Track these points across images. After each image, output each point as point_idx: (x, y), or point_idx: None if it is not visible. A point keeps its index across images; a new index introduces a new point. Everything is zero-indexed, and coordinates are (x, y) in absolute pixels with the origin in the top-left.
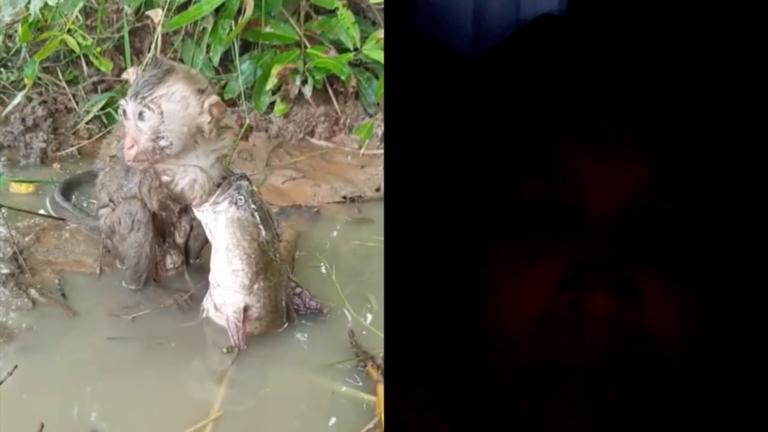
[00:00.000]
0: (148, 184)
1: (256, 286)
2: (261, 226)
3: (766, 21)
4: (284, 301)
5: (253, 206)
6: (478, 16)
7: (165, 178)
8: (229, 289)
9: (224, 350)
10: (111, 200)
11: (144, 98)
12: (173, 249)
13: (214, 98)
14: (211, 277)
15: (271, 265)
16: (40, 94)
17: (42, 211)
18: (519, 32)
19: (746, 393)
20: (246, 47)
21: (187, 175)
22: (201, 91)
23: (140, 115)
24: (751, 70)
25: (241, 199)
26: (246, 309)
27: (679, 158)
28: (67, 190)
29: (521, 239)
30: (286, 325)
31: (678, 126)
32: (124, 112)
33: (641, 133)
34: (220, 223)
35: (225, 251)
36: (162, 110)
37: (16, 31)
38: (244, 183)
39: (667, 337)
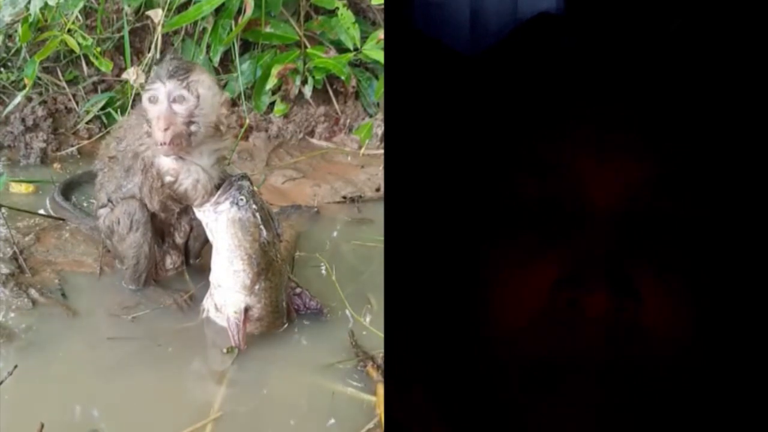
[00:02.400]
0: (149, 184)
1: (257, 287)
2: (262, 227)
3: (763, 20)
4: (284, 301)
5: (254, 206)
6: (476, 14)
7: (168, 179)
8: (230, 289)
9: (224, 350)
10: (109, 200)
11: (182, 80)
12: (173, 249)
13: (227, 95)
14: (212, 278)
15: (272, 265)
16: (40, 94)
17: (42, 211)
18: (516, 31)
19: (744, 390)
20: (246, 47)
21: (191, 176)
22: (218, 86)
23: (177, 98)
24: (749, 69)
25: (242, 200)
26: (247, 309)
27: (677, 156)
28: (67, 190)
29: (520, 238)
30: (286, 326)
31: (675, 124)
32: (154, 96)
33: (639, 132)
34: (222, 223)
35: (226, 251)
36: (198, 94)
37: (16, 31)
38: (246, 183)
39: (665, 334)
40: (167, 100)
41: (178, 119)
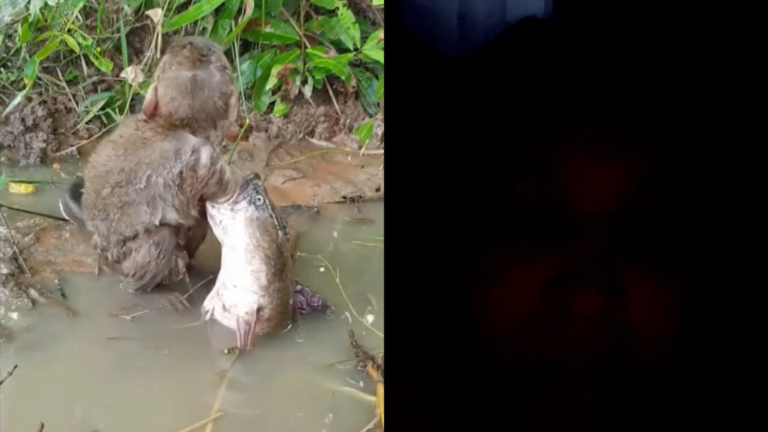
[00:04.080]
0: (188, 191)
1: (272, 287)
2: (278, 227)
3: (752, 19)
4: (292, 302)
5: (270, 207)
6: (464, 17)
7: (220, 164)
8: (246, 289)
9: (225, 351)
10: (125, 240)
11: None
12: (179, 251)
13: None
14: (224, 278)
15: (287, 265)
16: (40, 94)
17: (43, 211)
18: (504, 34)
19: (737, 389)
20: (246, 47)
21: (226, 165)
22: None
23: None
24: (737, 69)
25: (259, 199)
26: (259, 310)
27: (666, 158)
28: (77, 193)
29: (517, 238)
30: (290, 326)
31: (664, 126)
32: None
33: (627, 133)
34: (239, 222)
35: (244, 251)
36: None
37: (16, 31)
38: (260, 183)
39: (653, 335)
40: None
41: None
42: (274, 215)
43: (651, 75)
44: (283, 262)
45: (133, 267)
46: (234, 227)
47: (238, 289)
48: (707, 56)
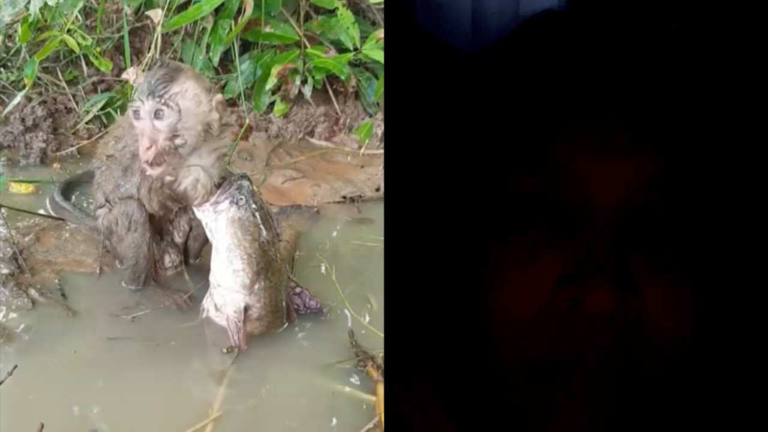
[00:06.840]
0: (147, 185)
1: (256, 286)
2: (262, 226)
3: (765, 18)
4: (284, 301)
5: (253, 206)
6: (478, 12)
7: (168, 179)
8: (229, 289)
9: (224, 350)
10: (107, 200)
11: (161, 96)
12: (171, 248)
13: (220, 96)
14: (212, 277)
15: (272, 265)
16: (40, 94)
17: (42, 211)
18: (519, 29)
19: (747, 390)
20: (246, 47)
21: (190, 175)
22: (209, 89)
23: (157, 114)
24: (752, 67)
25: (242, 199)
26: (246, 309)
27: (680, 154)
28: (67, 190)
29: (522, 237)
30: (286, 325)
31: (679, 122)
32: (137, 112)
33: (642, 130)
34: (221, 222)
35: (226, 251)
36: (179, 107)
37: (16, 31)
38: (245, 183)
39: (667, 333)
40: (149, 118)
41: (161, 135)
42: (257, 215)
43: (666, 71)
44: (267, 262)
45: (108, 230)
46: (217, 228)
47: (223, 289)
48: (724, 53)
